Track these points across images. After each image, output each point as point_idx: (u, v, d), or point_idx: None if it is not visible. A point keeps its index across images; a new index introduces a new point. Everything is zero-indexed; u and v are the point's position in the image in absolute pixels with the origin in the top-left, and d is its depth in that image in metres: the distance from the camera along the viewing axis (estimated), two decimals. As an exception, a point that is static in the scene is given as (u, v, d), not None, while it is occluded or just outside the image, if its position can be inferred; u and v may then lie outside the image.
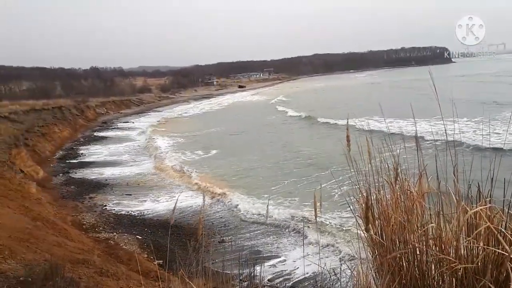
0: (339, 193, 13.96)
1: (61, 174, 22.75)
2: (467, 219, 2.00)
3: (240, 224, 14.04)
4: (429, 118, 12.59)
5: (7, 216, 10.44)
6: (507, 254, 1.81)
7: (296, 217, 13.86)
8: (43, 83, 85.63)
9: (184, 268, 2.69)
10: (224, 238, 12.59)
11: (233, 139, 33.91)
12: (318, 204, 2.77)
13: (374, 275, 2.17)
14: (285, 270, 10.40)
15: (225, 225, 14.07)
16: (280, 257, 11.32)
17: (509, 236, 1.87)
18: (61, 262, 6.85)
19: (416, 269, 2.17)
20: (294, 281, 9.67)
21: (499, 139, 16.78)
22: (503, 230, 1.91)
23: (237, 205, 15.65)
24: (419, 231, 2.18)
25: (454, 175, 2.19)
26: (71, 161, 27.31)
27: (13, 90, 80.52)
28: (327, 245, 11.30)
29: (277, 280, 9.58)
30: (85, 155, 29.68)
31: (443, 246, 2.12)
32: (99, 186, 19.84)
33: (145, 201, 17.11)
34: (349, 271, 2.24)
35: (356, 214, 2.44)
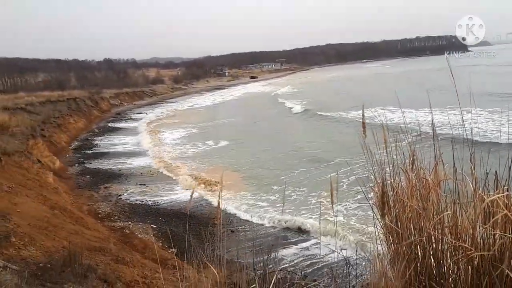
0: (347, 183, 13.94)
1: (76, 164, 23.17)
2: (484, 207, 1.99)
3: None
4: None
5: (26, 204, 10.70)
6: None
7: (308, 205, 13.91)
8: (58, 74, 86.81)
9: (198, 257, 2.73)
10: (238, 227, 12.69)
11: (245, 129, 33.91)
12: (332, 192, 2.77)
13: (388, 262, 2.18)
14: (301, 258, 10.48)
15: (236, 215, 14.15)
16: (296, 244, 11.43)
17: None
18: (79, 250, 7.01)
19: (432, 257, 2.17)
20: (310, 269, 9.73)
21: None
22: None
23: (248, 196, 15.73)
24: (434, 219, 2.18)
25: (471, 163, 2.17)
26: (86, 151, 27.75)
27: (29, 81, 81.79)
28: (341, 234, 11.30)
29: (292, 268, 9.65)
30: (99, 145, 30.12)
31: (459, 234, 2.11)
32: (114, 176, 20.14)
33: (159, 191, 17.33)
34: (365, 258, 2.26)
35: (371, 202, 2.44)
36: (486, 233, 1.97)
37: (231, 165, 21.16)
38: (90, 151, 27.76)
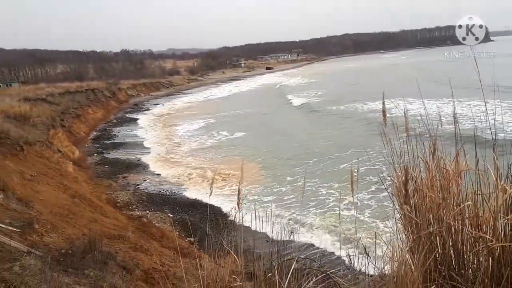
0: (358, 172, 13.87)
1: (95, 154, 23.63)
2: (506, 198, 1.96)
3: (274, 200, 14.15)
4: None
5: (47, 193, 10.99)
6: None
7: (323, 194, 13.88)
8: (76, 66, 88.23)
9: (215, 246, 2.76)
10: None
11: (260, 120, 33.84)
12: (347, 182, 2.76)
13: (407, 252, 2.17)
14: (318, 246, 10.51)
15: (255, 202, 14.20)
16: (312, 231, 11.47)
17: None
18: (99, 237, 7.18)
19: (451, 247, 2.15)
20: (328, 257, 9.73)
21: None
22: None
23: (266, 186, 15.79)
24: (454, 209, 2.15)
25: (494, 153, 2.13)
26: (105, 141, 28.26)
27: (49, 73, 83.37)
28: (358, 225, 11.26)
29: (312, 257, 9.65)
30: (118, 136, 30.59)
31: (479, 225, 2.09)
32: (132, 166, 20.47)
33: (176, 180, 17.54)
34: (383, 248, 2.25)
35: (390, 191, 2.43)
36: (508, 224, 1.94)
37: (248, 156, 21.19)
38: (109, 141, 28.25)
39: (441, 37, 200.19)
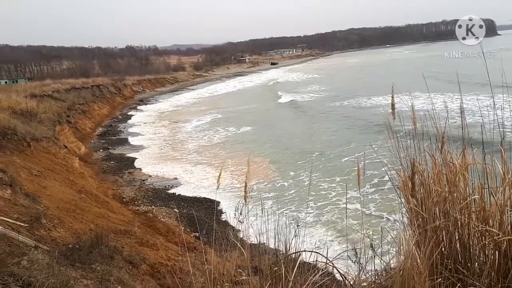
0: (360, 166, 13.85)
1: (101, 150, 23.74)
2: (514, 192, 1.95)
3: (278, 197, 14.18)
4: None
5: (54, 188, 11.07)
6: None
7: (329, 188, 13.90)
8: (81, 61, 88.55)
9: (221, 240, 2.77)
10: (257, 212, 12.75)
11: (265, 115, 33.86)
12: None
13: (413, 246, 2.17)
14: (324, 239, 10.51)
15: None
16: (318, 223, 11.50)
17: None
18: (105, 232, 7.22)
19: (458, 241, 2.15)
20: (334, 251, 9.75)
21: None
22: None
23: (272, 180, 15.81)
24: (461, 203, 2.15)
25: (501, 147, 2.12)
26: (111, 137, 28.36)
27: (55, 69, 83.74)
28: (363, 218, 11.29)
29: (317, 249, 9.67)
30: (123, 132, 30.69)
31: (486, 219, 2.08)
32: (137, 161, 20.54)
33: (182, 176, 17.59)
34: (389, 241, 2.25)
35: (395, 185, 2.42)
36: (515, 218, 1.94)
37: (253, 150, 21.18)
38: (114, 137, 28.35)
39: (447, 31, 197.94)
